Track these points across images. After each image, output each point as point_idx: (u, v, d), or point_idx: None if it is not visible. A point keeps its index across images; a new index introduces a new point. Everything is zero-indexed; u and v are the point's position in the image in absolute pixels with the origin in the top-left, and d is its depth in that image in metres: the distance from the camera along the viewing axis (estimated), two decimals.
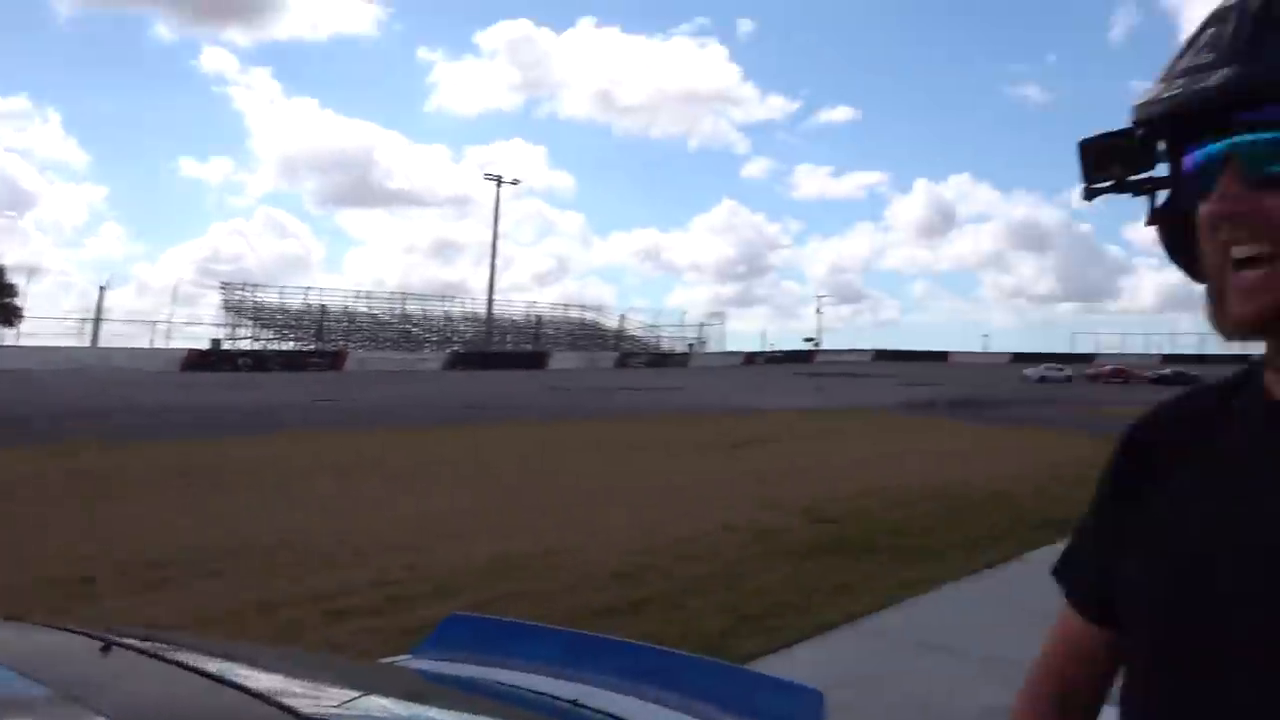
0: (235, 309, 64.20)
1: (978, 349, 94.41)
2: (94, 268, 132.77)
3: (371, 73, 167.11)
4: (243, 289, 66.16)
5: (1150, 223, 0.92)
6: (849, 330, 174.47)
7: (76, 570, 6.62)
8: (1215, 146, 0.78)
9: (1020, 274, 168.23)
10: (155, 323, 61.98)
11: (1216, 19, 0.80)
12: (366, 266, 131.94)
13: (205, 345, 56.98)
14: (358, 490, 10.88)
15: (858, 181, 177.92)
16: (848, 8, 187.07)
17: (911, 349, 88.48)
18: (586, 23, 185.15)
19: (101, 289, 59.46)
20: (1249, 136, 0.75)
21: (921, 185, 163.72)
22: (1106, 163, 0.96)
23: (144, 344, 57.25)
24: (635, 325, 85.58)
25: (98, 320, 57.66)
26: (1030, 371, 61.93)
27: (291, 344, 64.85)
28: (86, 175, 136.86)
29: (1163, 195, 0.91)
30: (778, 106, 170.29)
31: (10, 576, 6.37)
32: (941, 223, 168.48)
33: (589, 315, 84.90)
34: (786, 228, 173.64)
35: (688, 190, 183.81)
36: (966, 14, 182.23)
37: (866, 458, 15.93)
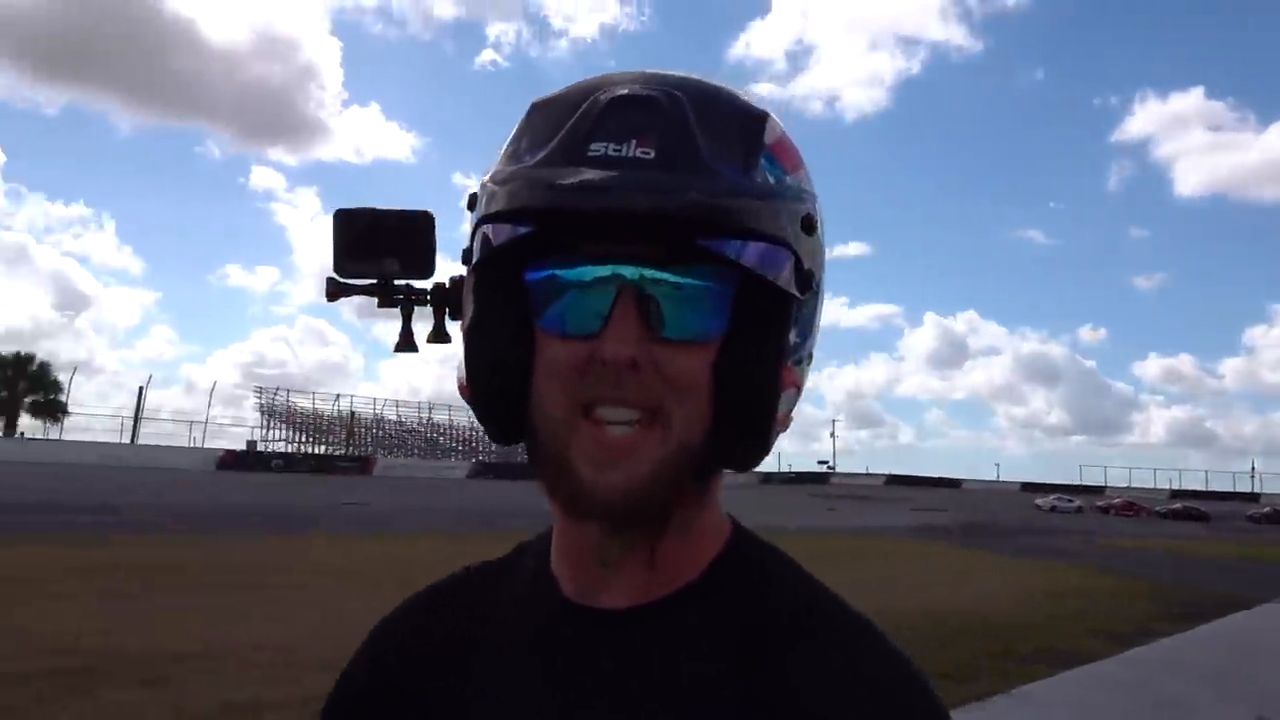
0: (270, 412, 66.03)
1: (990, 477, 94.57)
2: (144, 368, 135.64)
3: (411, 194, 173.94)
4: (276, 393, 68.12)
5: (433, 339, 0.79)
6: (867, 453, 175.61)
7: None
8: (620, 270, 0.64)
9: (1032, 406, 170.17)
10: (193, 422, 63.19)
11: (629, 106, 0.65)
12: (402, 375, 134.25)
13: (241, 446, 58.36)
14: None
15: (871, 313, 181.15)
16: (858, 153, 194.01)
17: (925, 475, 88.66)
18: None
19: (141, 389, 61.31)
20: (668, 275, 0.64)
21: (931, 319, 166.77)
22: (374, 252, 0.77)
23: (184, 443, 58.90)
24: None
25: (137, 418, 59.38)
26: (1042, 501, 62.42)
27: (323, 448, 66.19)
28: (139, 280, 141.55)
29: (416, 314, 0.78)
30: None
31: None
32: (953, 354, 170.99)
33: None
34: None
35: None
36: (968, 162, 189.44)
37: (863, 580, 16.53)
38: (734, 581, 0.72)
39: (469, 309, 0.70)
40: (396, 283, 0.78)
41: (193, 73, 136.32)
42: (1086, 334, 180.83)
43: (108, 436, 59.50)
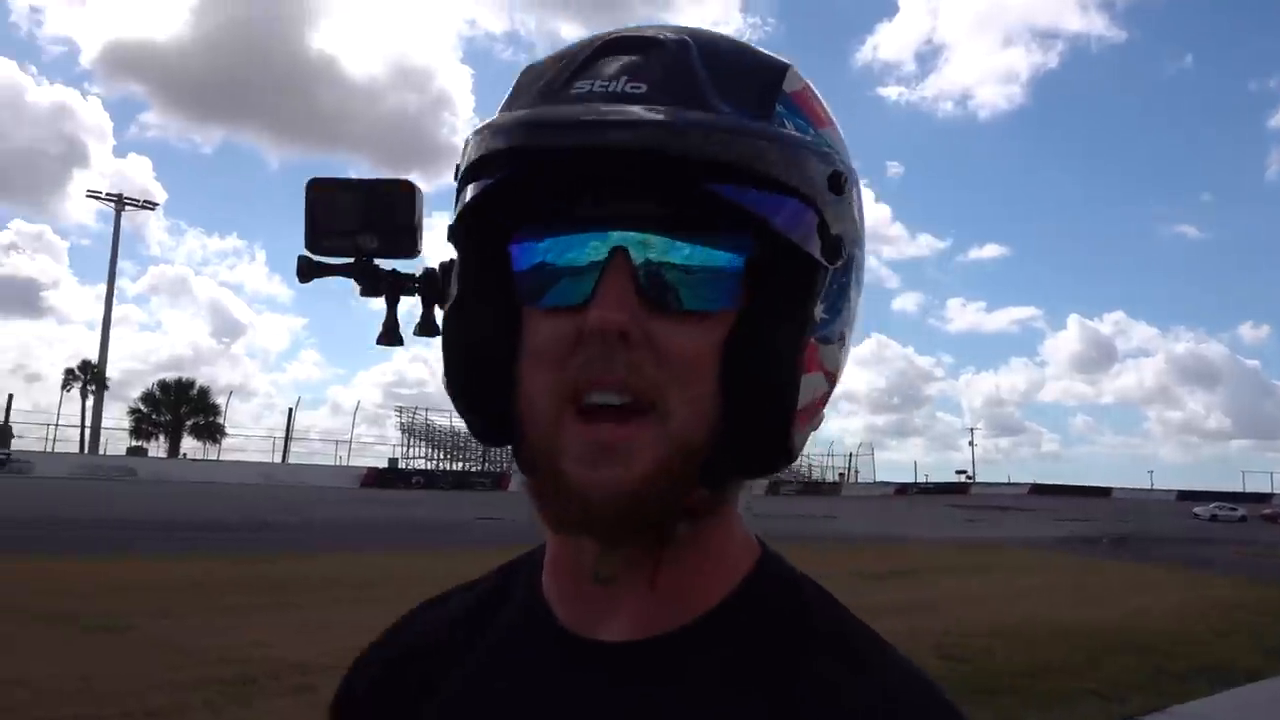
0: (410, 430, 68.31)
1: (1143, 485, 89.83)
2: (293, 390, 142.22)
3: None
4: (416, 412, 70.41)
5: (420, 332, 0.68)
6: (1009, 463, 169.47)
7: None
8: (612, 238, 0.55)
9: (1189, 410, 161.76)
10: (339, 442, 65.93)
11: (624, 47, 0.58)
12: None
13: (383, 464, 60.45)
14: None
15: (1010, 316, 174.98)
16: (992, 152, 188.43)
17: (1072, 484, 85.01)
18: None
19: (291, 410, 64.28)
20: (668, 237, 0.56)
21: (1075, 321, 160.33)
22: (349, 227, 0.66)
23: (330, 461, 61.41)
24: None
25: (287, 439, 62.39)
26: (1201, 510, 59.01)
27: (460, 464, 67.73)
28: (288, 307, 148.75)
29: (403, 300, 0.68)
30: (927, 244, 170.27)
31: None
32: (1100, 357, 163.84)
33: None
34: (939, 361, 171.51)
35: None
36: (1112, 157, 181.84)
37: (1008, 594, 15.59)
38: (758, 614, 0.62)
39: (450, 290, 0.63)
40: (381, 265, 0.69)
41: (335, 106, 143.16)
42: (1248, 331, 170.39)
43: (261, 456, 62.82)
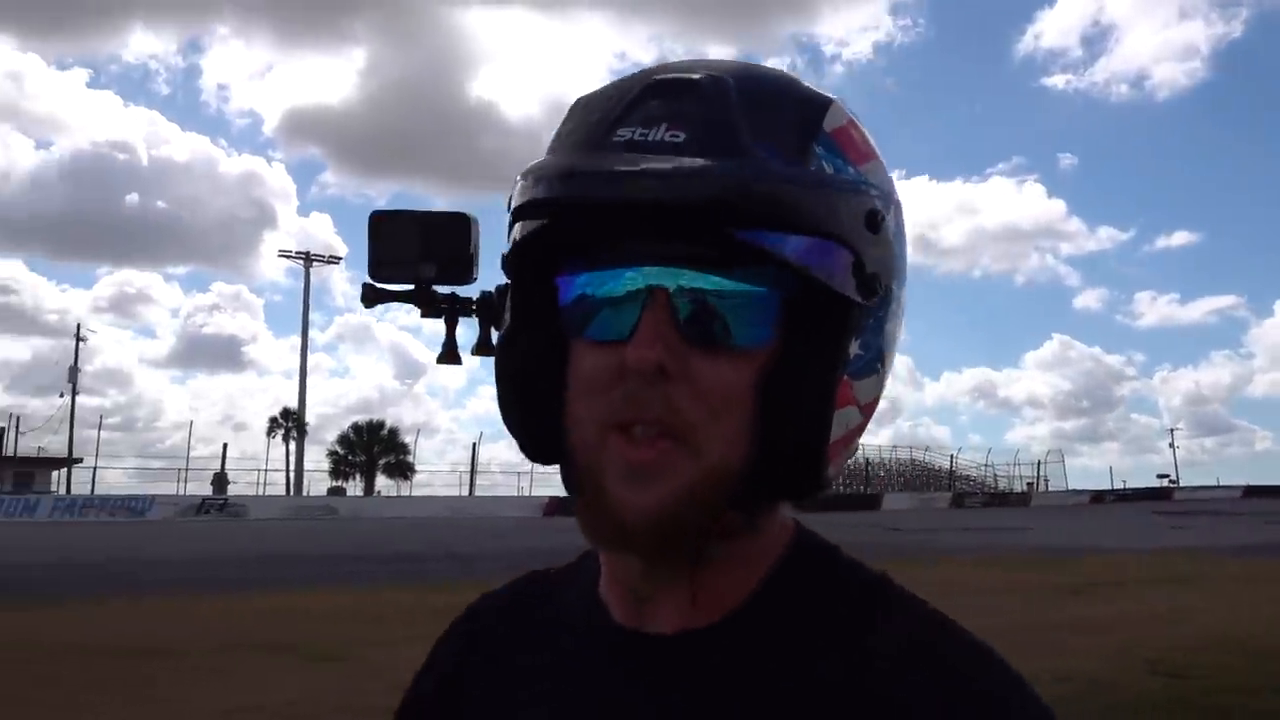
0: None
1: None
2: (474, 425, 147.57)
3: None
4: None
5: (478, 352, 0.76)
6: (1217, 464, 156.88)
7: None
8: (652, 277, 0.59)
9: None
10: (520, 473, 67.86)
11: (665, 90, 0.62)
12: None
13: (564, 493, 61.67)
14: None
15: (1208, 306, 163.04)
16: (1175, 133, 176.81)
17: None
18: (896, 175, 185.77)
19: (474, 445, 66.67)
20: (706, 277, 0.59)
21: None
22: (410, 256, 0.73)
23: (513, 492, 63.39)
24: (968, 464, 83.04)
25: (473, 473, 64.80)
26: None
27: None
28: (464, 347, 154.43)
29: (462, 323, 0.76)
30: (1108, 237, 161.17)
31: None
32: None
33: (919, 455, 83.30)
34: (1130, 359, 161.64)
35: (1017, 327, 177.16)
36: None
37: (1226, 605, 14.64)
38: (785, 603, 0.66)
39: (505, 315, 0.68)
40: (440, 290, 0.76)
41: (497, 149, 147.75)
42: None
43: (448, 490, 64.90)
